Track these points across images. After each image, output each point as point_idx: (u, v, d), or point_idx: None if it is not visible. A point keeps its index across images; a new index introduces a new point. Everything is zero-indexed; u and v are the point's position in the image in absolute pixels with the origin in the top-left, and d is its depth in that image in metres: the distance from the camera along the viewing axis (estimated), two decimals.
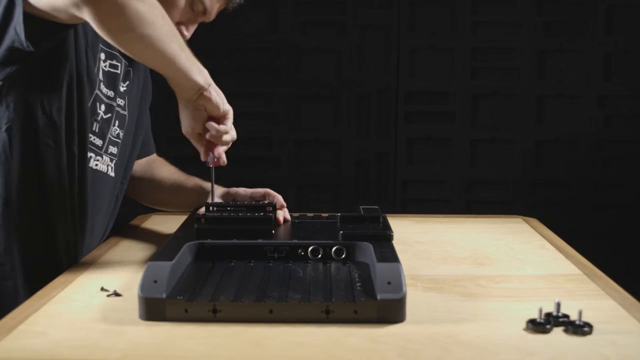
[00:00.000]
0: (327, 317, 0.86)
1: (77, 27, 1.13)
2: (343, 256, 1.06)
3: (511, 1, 2.74)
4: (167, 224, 1.43)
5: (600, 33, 2.73)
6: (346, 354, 0.78)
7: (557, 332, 0.85)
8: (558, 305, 0.87)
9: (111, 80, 1.25)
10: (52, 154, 1.14)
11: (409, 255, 1.22)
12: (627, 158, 2.79)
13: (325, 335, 0.83)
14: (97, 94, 1.21)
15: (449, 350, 0.79)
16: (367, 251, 1.03)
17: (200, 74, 1.11)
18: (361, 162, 2.82)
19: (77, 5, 0.99)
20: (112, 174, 1.30)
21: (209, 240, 1.08)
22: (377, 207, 1.38)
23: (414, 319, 0.88)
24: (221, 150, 1.22)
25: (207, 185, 1.35)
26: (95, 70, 1.20)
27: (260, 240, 1.08)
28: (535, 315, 0.86)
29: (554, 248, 1.28)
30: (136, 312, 0.88)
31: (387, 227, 1.19)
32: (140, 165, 1.46)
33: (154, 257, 0.98)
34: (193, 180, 1.42)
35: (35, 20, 1.03)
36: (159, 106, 2.71)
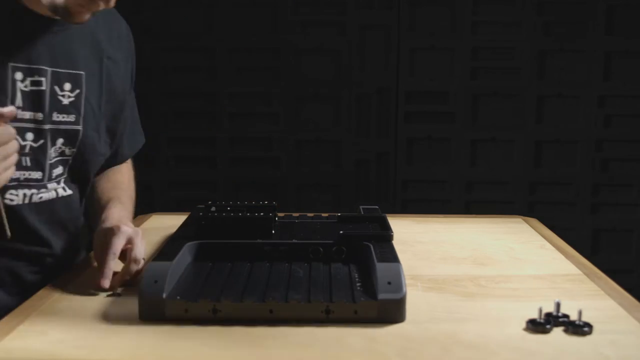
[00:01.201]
0: (327, 317, 0.86)
1: None
2: (343, 256, 1.06)
3: (511, 1, 2.73)
4: (167, 224, 1.43)
5: (600, 33, 2.73)
6: (346, 354, 0.78)
7: (557, 332, 0.85)
8: (558, 305, 0.87)
9: (36, 101, 1.07)
10: None
11: (409, 255, 1.22)
12: (627, 158, 2.79)
13: (325, 335, 0.83)
14: (17, 126, 1.02)
15: (449, 350, 0.79)
16: (367, 251, 1.03)
17: None
18: (361, 162, 2.82)
19: None
20: (69, 192, 1.17)
21: (209, 240, 1.08)
22: (377, 207, 1.38)
23: (414, 319, 0.88)
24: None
25: (109, 216, 1.17)
26: (8, 98, 1.03)
27: (261, 240, 1.08)
28: (535, 315, 0.86)
29: (554, 248, 1.28)
30: (136, 312, 0.89)
31: (387, 227, 1.19)
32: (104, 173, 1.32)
33: (154, 257, 0.98)
34: (108, 209, 1.21)
35: None
36: (159, 106, 2.72)
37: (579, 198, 2.81)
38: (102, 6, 1.02)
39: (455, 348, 0.80)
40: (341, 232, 1.12)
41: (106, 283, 1.00)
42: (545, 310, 0.87)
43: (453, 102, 2.79)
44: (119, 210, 1.19)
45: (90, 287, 1.01)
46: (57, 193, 1.15)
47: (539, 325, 0.85)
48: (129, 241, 1.05)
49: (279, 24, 2.74)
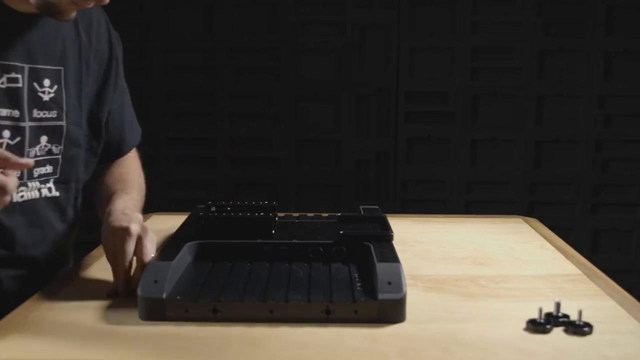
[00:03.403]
0: (327, 317, 0.86)
1: None
2: (343, 256, 1.06)
3: (511, 1, 2.73)
4: (167, 224, 1.42)
5: (600, 33, 2.73)
6: (346, 354, 0.78)
7: (557, 332, 0.85)
8: (558, 305, 0.87)
9: (13, 98, 1.06)
10: None
11: (409, 255, 1.22)
12: (627, 158, 2.79)
13: (325, 335, 0.83)
14: None
15: (449, 350, 0.79)
16: (367, 251, 1.03)
17: None
18: (361, 162, 2.82)
19: None
20: (55, 193, 1.15)
21: (209, 240, 1.08)
22: (377, 207, 1.38)
23: (414, 319, 0.88)
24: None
25: (113, 210, 1.11)
26: None
27: (261, 240, 1.08)
28: (535, 315, 0.86)
29: (554, 248, 1.28)
30: (136, 312, 0.88)
31: (387, 227, 1.19)
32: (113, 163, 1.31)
33: (154, 257, 0.98)
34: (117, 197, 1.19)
35: None
36: (159, 106, 2.72)
37: (579, 198, 2.81)
38: (92, 4, 1.01)
39: (455, 348, 0.80)
40: (341, 232, 1.12)
41: (123, 287, 0.98)
42: (545, 310, 0.87)
43: (453, 102, 2.79)
44: (123, 201, 1.16)
45: (91, 287, 1.01)
46: (40, 193, 1.13)
47: (539, 325, 0.85)
48: (138, 241, 1.02)
49: (279, 24, 2.74)
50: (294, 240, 1.09)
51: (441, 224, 1.48)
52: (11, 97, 1.06)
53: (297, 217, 1.32)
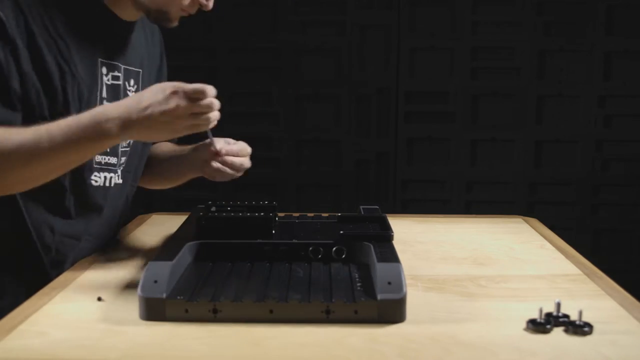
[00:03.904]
0: (327, 317, 0.86)
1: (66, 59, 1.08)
2: (343, 256, 1.06)
3: (511, 1, 2.73)
4: (167, 224, 1.43)
5: (600, 33, 2.73)
6: (346, 354, 0.78)
7: (558, 332, 0.85)
8: (558, 305, 0.87)
9: (115, 94, 1.19)
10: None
11: (409, 255, 1.22)
12: (627, 158, 2.79)
13: (325, 335, 0.83)
14: None
15: (449, 350, 0.79)
16: (368, 251, 1.03)
17: (106, 123, 1.01)
18: (361, 162, 2.82)
19: None
20: (120, 181, 1.26)
21: (209, 240, 1.08)
22: (377, 207, 1.38)
23: (414, 319, 0.88)
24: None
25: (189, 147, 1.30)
26: (98, 90, 1.14)
27: (261, 240, 1.08)
28: (535, 315, 0.86)
29: (554, 248, 1.28)
30: (136, 312, 0.89)
31: (387, 227, 1.19)
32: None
33: (154, 257, 0.98)
34: (181, 147, 1.36)
35: None
36: None
37: (579, 198, 2.81)
38: (195, 10, 1.16)
39: (455, 348, 0.80)
40: (341, 232, 1.12)
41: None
42: (545, 310, 0.87)
43: (453, 102, 2.79)
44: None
45: (91, 287, 1.01)
46: (117, 178, 1.24)
47: (539, 325, 0.85)
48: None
49: (279, 24, 2.74)
50: (294, 240, 1.09)
51: (441, 224, 1.48)
52: (115, 93, 1.18)
53: (297, 217, 1.32)
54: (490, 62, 2.77)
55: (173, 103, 1.00)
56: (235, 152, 1.23)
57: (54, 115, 1.05)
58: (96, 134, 1.00)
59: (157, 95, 1.01)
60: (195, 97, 1.00)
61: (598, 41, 2.73)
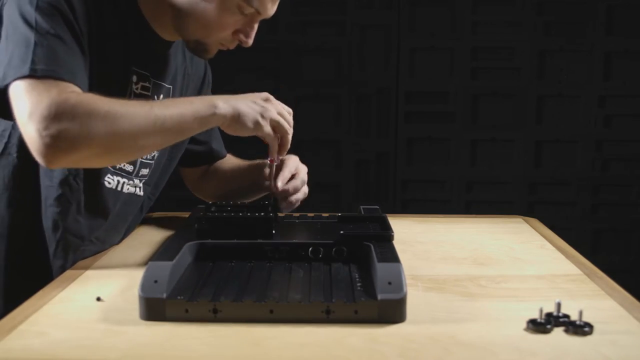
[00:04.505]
0: (327, 317, 0.86)
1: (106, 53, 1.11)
2: (343, 256, 1.06)
3: (511, 1, 2.74)
4: (167, 224, 1.42)
5: (600, 33, 2.73)
6: (346, 354, 0.78)
7: (558, 332, 0.85)
8: (558, 305, 0.87)
9: None
10: (46, 185, 1.12)
11: (409, 255, 1.21)
12: (627, 158, 2.79)
13: (325, 335, 0.83)
14: None
15: (449, 350, 0.79)
16: (368, 251, 1.02)
17: (209, 107, 1.07)
18: (361, 162, 2.82)
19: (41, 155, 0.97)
20: (141, 193, 1.28)
21: (209, 240, 1.08)
22: (377, 207, 1.37)
23: (414, 319, 0.88)
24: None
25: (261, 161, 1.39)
26: (127, 96, 1.16)
27: (261, 240, 1.08)
28: (535, 315, 0.86)
29: (554, 248, 1.28)
30: (136, 312, 0.88)
31: (388, 227, 1.19)
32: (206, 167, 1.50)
33: (154, 257, 0.98)
34: (250, 162, 1.46)
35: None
36: None
37: (579, 198, 2.81)
38: (259, 19, 1.20)
39: (456, 348, 0.80)
40: (341, 232, 1.12)
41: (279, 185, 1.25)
42: (545, 311, 0.87)
43: (453, 102, 2.79)
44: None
45: (91, 287, 1.02)
46: (135, 190, 1.26)
47: (539, 325, 0.85)
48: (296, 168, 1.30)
49: (279, 24, 2.74)
50: (294, 240, 1.09)
51: (441, 224, 1.48)
52: None
53: (298, 217, 1.32)
54: (490, 62, 2.77)
55: (264, 96, 1.14)
56: (293, 189, 1.28)
57: None
58: (204, 105, 1.06)
59: (247, 94, 1.13)
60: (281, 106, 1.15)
61: (598, 41, 2.73)
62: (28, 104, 0.97)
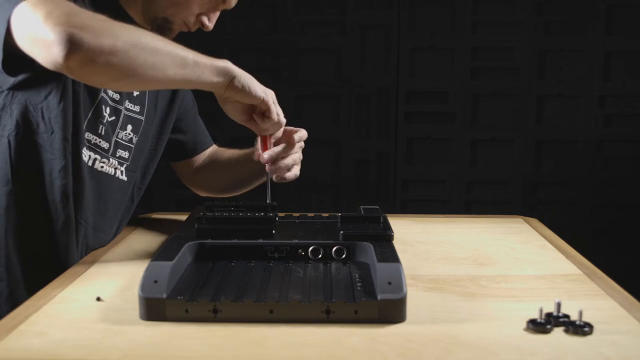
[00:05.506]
0: (327, 317, 0.86)
1: None
2: (343, 256, 1.06)
3: (511, 1, 2.74)
4: (167, 224, 1.43)
5: (600, 33, 2.73)
6: (346, 354, 0.78)
7: (558, 332, 0.85)
8: (558, 305, 0.87)
9: None
10: (49, 158, 1.14)
11: (409, 255, 1.22)
12: (627, 158, 2.79)
13: (325, 335, 0.83)
14: (102, 96, 1.21)
15: (449, 350, 0.79)
16: (368, 251, 1.02)
17: (217, 74, 1.12)
18: (361, 162, 2.82)
19: (60, 67, 0.95)
20: (124, 178, 1.29)
21: (210, 240, 1.08)
22: (377, 207, 1.37)
23: (414, 319, 0.88)
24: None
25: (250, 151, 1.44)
26: None
27: (261, 240, 1.08)
28: (535, 315, 0.86)
29: (554, 248, 1.28)
30: (136, 312, 0.88)
31: (388, 227, 1.19)
32: (202, 157, 1.53)
33: (154, 257, 0.98)
34: (245, 150, 1.49)
35: (16, 52, 0.99)
36: None
37: (579, 198, 2.81)
38: (222, 8, 1.25)
39: (456, 348, 0.80)
40: (342, 232, 1.12)
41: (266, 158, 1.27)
42: (545, 311, 0.87)
43: (453, 102, 2.79)
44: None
45: (91, 287, 1.02)
46: (115, 172, 1.27)
47: (539, 326, 0.85)
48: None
49: (279, 24, 2.74)
50: (294, 240, 1.09)
51: (441, 224, 1.48)
52: None
53: (298, 217, 1.32)
54: (490, 62, 2.77)
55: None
56: (280, 154, 1.32)
57: None
58: (219, 60, 1.14)
59: None
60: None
61: (598, 41, 2.73)
62: (43, 11, 0.94)
